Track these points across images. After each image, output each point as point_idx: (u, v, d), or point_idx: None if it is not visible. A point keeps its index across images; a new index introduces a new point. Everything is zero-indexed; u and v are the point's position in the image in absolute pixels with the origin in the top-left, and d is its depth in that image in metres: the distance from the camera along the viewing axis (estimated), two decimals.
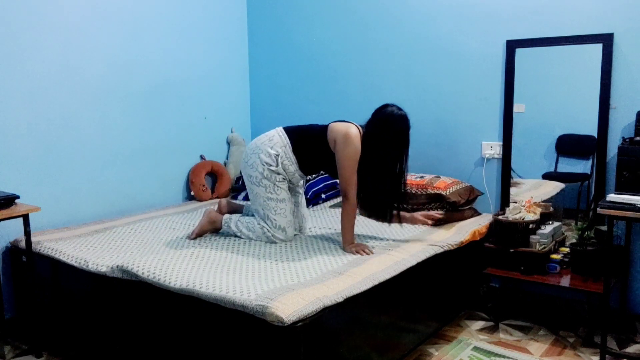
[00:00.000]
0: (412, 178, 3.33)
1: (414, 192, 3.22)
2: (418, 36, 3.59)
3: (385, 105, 2.74)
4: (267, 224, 2.75)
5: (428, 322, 2.87)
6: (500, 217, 3.13)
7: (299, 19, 4.11)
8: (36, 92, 3.08)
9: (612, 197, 2.61)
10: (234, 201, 3.29)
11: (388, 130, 2.66)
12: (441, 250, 2.80)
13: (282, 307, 1.92)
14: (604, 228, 2.83)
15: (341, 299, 2.10)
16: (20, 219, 2.64)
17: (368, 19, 3.79)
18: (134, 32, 3.55)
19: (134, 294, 2.39)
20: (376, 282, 2.29)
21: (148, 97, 3.66)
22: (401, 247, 2.73)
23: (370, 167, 2.66)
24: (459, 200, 3.16)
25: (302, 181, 2.98)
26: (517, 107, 3.31)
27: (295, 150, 2.75)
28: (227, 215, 2.91)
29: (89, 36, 3.30)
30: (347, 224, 2.66)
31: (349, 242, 2.65)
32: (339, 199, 3.84)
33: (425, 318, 2.84)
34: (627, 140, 2.81)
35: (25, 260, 2.75)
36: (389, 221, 2.83)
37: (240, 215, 2.95)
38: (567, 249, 3.06)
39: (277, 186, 2.74)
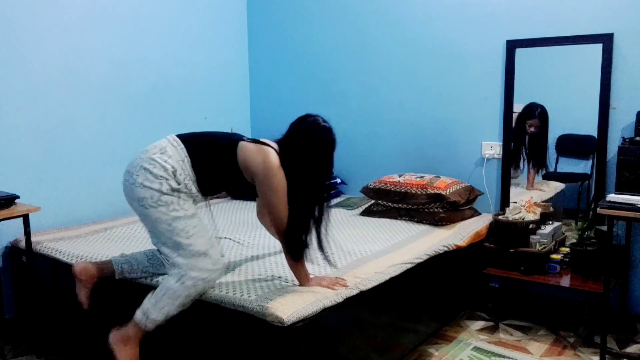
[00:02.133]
0: (412, 178, 3.33)
1: (414, 192, 3.22)
2: (418, 36, 3.59)
3: (307, 116, 2.23)
4: (182, 259, 2.05)
5: (428, 322, 2.87)
6: (500, 217, 3.13)
7: (299, 19, 4.11)
8: (36, 92, 3.08)
9: (612, 197, 2.61)
10: (98, 261, 2.40)
11: (313, 145, 2.15)
12: (441, 250, 2.80)
13: (282, 308, 1.92)
14: (604, 228, 2.82)
15: (341, 299, 2.10)
16: (20, 219, 2.64)
17: (368, 19, 3.78)
18: (134, 32, 3.55)
19: (134, 294, 2.39)
20: (376, 283, 2.29)
21: (148, 97, 3.65)
22: (401, 247, 2.73)
23: (294, 194, 2.10)
24: (459, 200, 3.16)
25: (201, 203, 2.28)
26: (517, 107, 3.32)
27: (195, 166, 2.11)
28: (139, 313, 2.10)
29: (89, 36, 3.30)
30: (296, 265, 2.12)
31: (307, 280, 2.14)
32: (339, 199, 3.86)
33: (425, 318, 2.84)
34: (627, 140, 2.81)
35: (25, 260, 2.75)
36: (298, 258, 2.13)
37: (148, 296, 2.11)
38: (567, 249, 3.06)
39: (182, 199, 2.09)
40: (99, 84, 3.37)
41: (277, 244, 2.75)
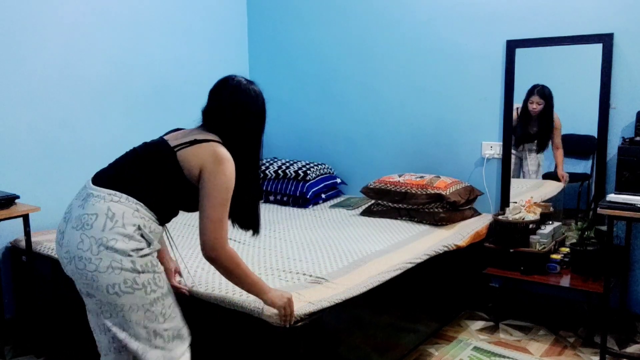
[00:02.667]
0: (412, 178, 3.33)
1: (414, 192, 3.22)
2: (418, 36, 3.59)
3: (225, 81, 1.96)
4: (158, 351, 1.73)
5: (428, 322, 2.87)
6: (500, 217, 3.13)
7: (299, 19, 4.11)
8: (36, 92, 3.08)
9: (612, 197, 2.61)
10: None
11: (249, 114, 1.89)
12: (441, 250, 2.80)
13: None
14: (604, 228, 2.82)
15: (341, 299, 2.10)
16: (20, 219, 2.64)
17: (368, 19, 3.78)
18: (134, 32, 3.55)
19: None
20: (376, 283, 2.29)
21: (148, 97, 3.65)
22: (401, 247, 2.73)
23: (243, 173, 1.83)
24: (459, 200, 3.16)
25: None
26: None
27: (151, 206, 1.74)
28: None
29: (89, 36, 3.30)
30: (245, 277, 1.80)
31: (267, 292, 1.84)
32: (339, 199, 3.86)
33: (425, 318, 2.84)
34: (627, 140, 2.81)
35: (25, 260, 2.75)
36: (257, 228, 1.98)
37: None
38: (567, 249, 3.06)
39: (157, 272, 1.73)
40: (99, 84, 3.37)
41: (278, 244, 2.75)
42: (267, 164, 3.97)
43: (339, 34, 3.93)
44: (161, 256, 1.95)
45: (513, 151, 3.37)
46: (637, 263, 3.03)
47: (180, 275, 2.13)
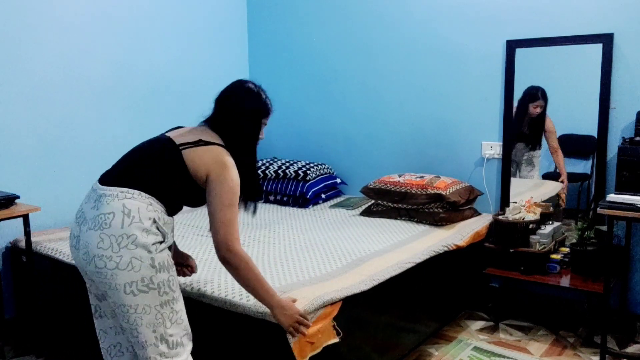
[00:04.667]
0: (412, 178, 3.33)
1: (414, 192, 3.22)
2: (418, 36, 3.59)
3: (237, 85, 2.01)
4: (163, 357, 1.74)
5: (428, 322, 2.87)
6: (500, 217, 3.13)
7: (299, 19, 4.11)
8: (36, 92, 3.08)
9: (612, 197, 2.61)
10: None
11: (254, 120, 1.96)
12: (441, 250, 2.80)
13: None
14: (604, 228, 2.83)
15: (341, 298, 2.09)
16: (20, 219, 2.64)
17: (368, 19, 3.78)
18: (134, 32, 3.55)
19: None
20: (376, 282, 2.29)
21: (148, 97, 3.65)
22: (401, 247, 2.73)
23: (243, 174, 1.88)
24: (459, 200, 3.16)
25: None
26: None
27: (161, 198, 1.79)
28: None
29: (88, 36, 3.30)
30: (256, 282, 1.82)
31: (276, 307, 1.84)
32: (339, 199, 3.86)
33: (425, 318, 2.84)
34: (627, 140, 2.81)
35: (25, 260, 2.75)
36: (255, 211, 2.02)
37: None
38: (567, 249, 3.07)
39: (171, 274, 1.77)
40: (99, 84, 3.37)
41: (277, 244, 2.75)
42: (267, 164, 3.97)
43: (339, 34, 3.93)
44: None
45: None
46: (637, 263, 3.03)
47: (192, 271, 2.13)
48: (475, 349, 2.84)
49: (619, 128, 3.00)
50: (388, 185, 3.34)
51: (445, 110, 3.55)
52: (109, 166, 1.97)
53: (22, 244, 2.76)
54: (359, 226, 3.14)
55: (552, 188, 3.34)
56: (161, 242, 1.74)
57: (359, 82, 3.88)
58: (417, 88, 3.64)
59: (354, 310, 2.21)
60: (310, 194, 3.69)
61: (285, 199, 3.79)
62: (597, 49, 2.99)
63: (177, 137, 1.85)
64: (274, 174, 3.86)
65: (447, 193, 3.14)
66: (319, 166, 3.88)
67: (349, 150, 3.99)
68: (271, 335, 1.93)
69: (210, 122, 1.95)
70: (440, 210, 3.16)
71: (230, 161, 1.81)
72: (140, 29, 3.58)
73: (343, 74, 3.95)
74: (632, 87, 2.94)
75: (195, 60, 3.95)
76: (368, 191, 3.41)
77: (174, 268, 1.81)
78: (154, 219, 1.73)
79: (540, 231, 3.02)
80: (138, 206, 1.72)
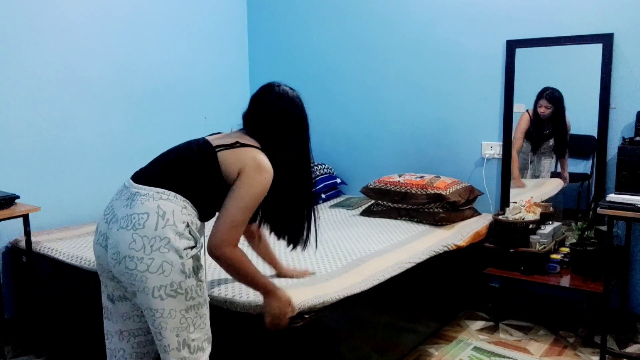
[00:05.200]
0: (412, 178, 3.33)
1: (414, 192, 3.22)
2: (418, 36, 3.59)
3: (270, 87, 1.92)
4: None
5: (428, 322, 2.87)
6: (500, 217, 3.13)
7: (299, 19, 4.11)
8: (36, 92, 3.07)
9: (612, 197, 2.61)
10: None
11: (289, 121, 1.88)
12: (441, 250, 2.80)
13: None
14: (604, 228, 2.83)
15: (341, 298, 2.09)
16: (20, 219, 2.64)
17: (368, 19, 3.78)
18: (134, 32, 3.55)
19: None
20: (376, 282, 2.29)
21: (148, 97, 3.65)
22: (401, 247, 2.73)
23: (283, 185, 1.84)
24: (459, 200, 3.16)
25: None
26: (517, 107, 3.31)
27: (195, 202, 1.75)
28: None
29: (89, 36, 3.30)
30: (247, 276, 1.81)
31: (270, 293, 1.86)
32: (339, 199, 3.86)
33: (425, 318, 2.84)
34: (627, 140, 2.81)
35: (25, 260, 2.75)
36: (306, 243, 1.96)
37: None
38: (567, 249, 3.06)
39: (200, 280, 1.74)
40: (99, 83, 3.37)
41: (277, 244, 2.75)
42: None
43: (339, 34, 3.93)
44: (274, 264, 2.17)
45: (523, 152, 3.37)
46: (637, 263, 3.03)
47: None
48: (475, 349, 2.84)
49: (619, 128, 3.00)
50: (388, 185, 3.34)
51: (445, 110, 3.55)
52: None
53: (22, 244, 2.76)
54: (359, 226, 3.14)
55: (552, 188, 3.34)
56: (192, 248, 1.70)
57: (359, 82, 3.88)
58: (417, 88, 3.64)
59: (354, 310, 2.21)
60: None
61: None
62: (597, 49, 2.99)
63: (215, 140, 1.81)
64: None
65: (447, 193, 3.14)
66: (319, 166, 3.88)
67: (349, 150, 3.99)
68: (271, 334, 1.93)
69: (247, 127, 1.89)
70: (440, 210, 3.16)
71: (268, 165, 1.75)
72: (140, 29, 3.58)
73: (343, 74, 3.95)
74: (632, 87, 2.94)
75: (195, 60, 3.95)
76: (368, 191, 3.41)
77: (203, 272, 1.77)
78: (188, 222, 1.69)
79: (540, 231, 3.02)
80: (173, 208, 1.67)
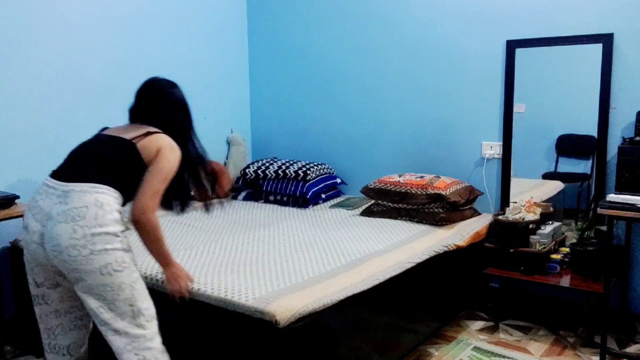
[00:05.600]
0: (412, 178, 3.33)
1: (414, 192, 3.22)
2: (418, 36, 3.59)
3: (153, 81, 2.33)
4: (141, 329, 1.85)
5: (428, 322, 2.87)
6: (500, 217, 3.13)
7: (299, 19, 4.11)
8: (36, 92, 3.07)
9: (612, 197, 2.61)
10: None
11: (178, 105, 2.24)
12: (441, 250, 2.80)
13: (281, 308, 1.92)
14: (604, 228, 2.83)
15: (341, 298, 2.10)
16: (20, 219, 2.63)
17: (368, 19, 3.78)
18: (134, 32, 3.55)
19: None
20: (376, 282, 2.30)
21: None
22: (401, 247, 2.73)
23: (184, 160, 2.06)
24: (459, 200, 3.16)
25: None
26: (517, 107, 3.32)
27: (122, 192, 1.94)
28: None
29: (89, 36, 3.30)
30: (160, 244, 1.96)
31: (172, 266, 2.03)
32: (339, 199, 3.86)
33: (425, 318, 2.84)
34: (627, 140, 2.81)
35: None
36: (184, 208, 2.19)
37: None
38: (567, 249, 3.06)
39: (133, 252, 1.92)
40: (99, 84, 3.37)
41: (277, 244, 2.76)
42: (267, 164, 3.97)
43: (339, 34, 3.93)
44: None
45: None
46: (637, 263, 3.03)
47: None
48: (475, 349, 2.84)
49: (619, 128, 3.00)
50: (388, 185, 3.34)
51: (445, 110, 3.55)
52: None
53: (22, 243, 2.75)
54: (359, 226, 3.14)
55: (552, 188, 3.34)
56: (124, 230, 1.89)
57: (359, 82, 3.88)
58: (417, 88, 3.64)
59: (354, 310, 2.21)
60: (310, 194, 3.69)
61: (285, 199, 3.79)
62: (597, 49, 2.99)
63: (123, 134, 1.99)
64: (273, 174, 3.86)
65: (447, 193, 3.14)
66: (319, 166, 3.88)
67: (349, 150, 3.99)
68: (269, 334, 1.93)
69: (139, 119, 2.10)
70: (441, 210, 3.16)
71: (176, 145, 2.00)
72: (140, 29, 3.58)
73: (343, 74, 3.95)
74: (632, 87, 2.94)
75: (195, 60, 3.95)
76: (368, 191, 3.41)
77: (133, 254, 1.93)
78: (120, 210, 1.90)
79: (540, 231, 3.02)
80: (108, 200, 1.86)
